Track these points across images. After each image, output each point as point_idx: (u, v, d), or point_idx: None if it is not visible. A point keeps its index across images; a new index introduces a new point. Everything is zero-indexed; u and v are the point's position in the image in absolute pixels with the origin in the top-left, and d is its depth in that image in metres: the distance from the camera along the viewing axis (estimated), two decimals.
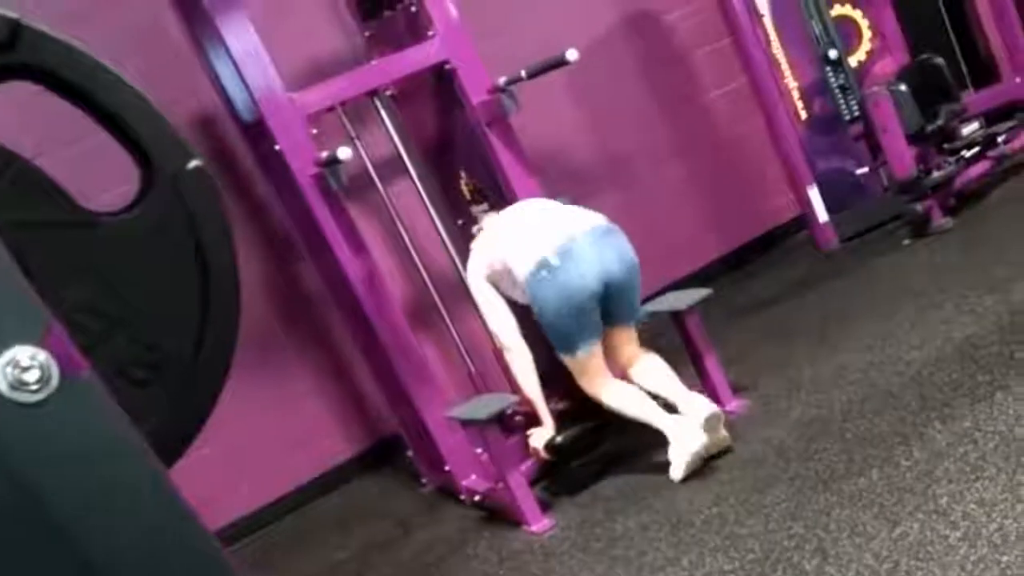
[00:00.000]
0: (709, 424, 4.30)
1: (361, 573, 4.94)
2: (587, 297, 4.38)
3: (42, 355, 1.20)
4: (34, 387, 1.20)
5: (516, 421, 4.93)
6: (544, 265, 4.39)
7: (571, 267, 4.36)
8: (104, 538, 1.23)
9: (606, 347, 4.58)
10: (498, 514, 4.75)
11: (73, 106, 1.60)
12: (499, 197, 5.12)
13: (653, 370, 4.62)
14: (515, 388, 4.84)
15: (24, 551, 1.21)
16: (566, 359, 4.53)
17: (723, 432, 4.36)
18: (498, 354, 5.04)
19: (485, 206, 5.09)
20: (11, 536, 1.20)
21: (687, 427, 4.31)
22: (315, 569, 5.22)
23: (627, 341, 4.66)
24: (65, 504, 1.22)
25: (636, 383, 4.60)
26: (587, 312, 4.41)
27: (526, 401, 4.76)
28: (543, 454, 4.74)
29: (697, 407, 4.37)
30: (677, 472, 4.29)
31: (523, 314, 4.69)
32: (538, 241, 4.48)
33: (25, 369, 1.19)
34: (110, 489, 1.25)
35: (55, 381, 1.21)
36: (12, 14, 1.52)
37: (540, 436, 4.73)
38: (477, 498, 4.96)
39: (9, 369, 1.19)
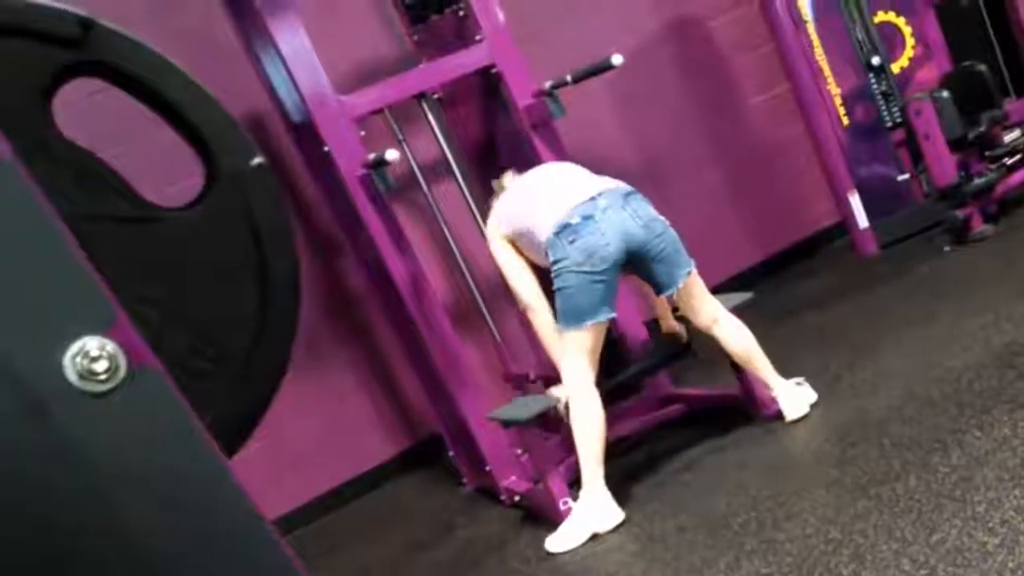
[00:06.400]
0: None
1: (400, 572, 4.98)
2: (608, 259, 4.32)
3: (110, 346, 1.20)
4: (102, 377, 1.20)
5: (556, 413, 4.65)
6: (566, 228, 4.35)
7: (592, 229, 4.32)
8: (168, 527, 1.25)
9: (683, 308, 4.62)
10: (537, 515, 4.77)
11: (139, 102, 1.64)
12: None
13: (739, 333, 4.66)
14: (538, 349, 4.77)
15: (90, 537, 1.23)
16: (568, 333, 4.40)
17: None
18: (524, 318, 4.93)
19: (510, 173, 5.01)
20: (78, 523, 1.22)
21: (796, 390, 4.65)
22: (354, 567, 5.26)
23: (695, 296, 4.59)
24: (131, 492, 1.24)
25: (720, 341, 4.64)
26: (606, 280, 4.34)
27: (548, 359, 4.69)
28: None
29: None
30: (793, 413, 4.59)
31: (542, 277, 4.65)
32: (560, 204, 4.43)
33: (94, 359, 1.20)
34: (176, 479, 1.26)
35: (123, 371, 1.21)
36: (83, 12, 1.56)
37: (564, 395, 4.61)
38: (517, 498, 5.00)
39: (79, 359, 1.20)
